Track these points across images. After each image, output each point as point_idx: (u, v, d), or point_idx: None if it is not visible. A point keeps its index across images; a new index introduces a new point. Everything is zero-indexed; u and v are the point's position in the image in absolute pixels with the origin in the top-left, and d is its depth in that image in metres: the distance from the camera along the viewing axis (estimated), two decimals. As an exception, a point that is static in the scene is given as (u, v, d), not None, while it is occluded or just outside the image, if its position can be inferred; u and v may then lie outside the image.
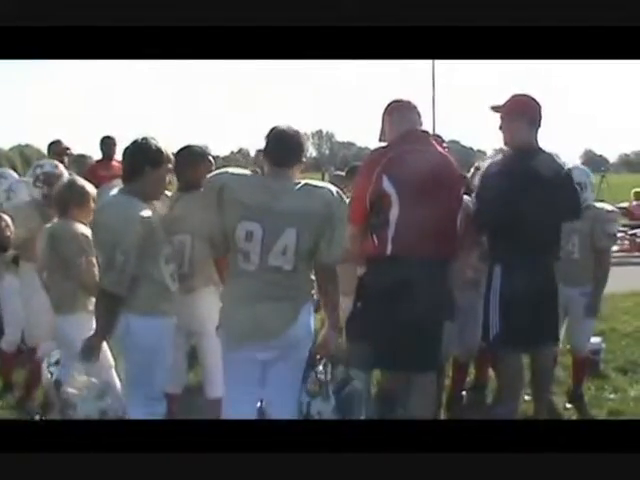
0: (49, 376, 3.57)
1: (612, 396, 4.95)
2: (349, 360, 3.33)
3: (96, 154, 7.35)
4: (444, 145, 4.04)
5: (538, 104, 3.77)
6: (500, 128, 3.80)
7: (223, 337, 3.22)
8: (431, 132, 3.97)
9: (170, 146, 3.50)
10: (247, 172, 3.34)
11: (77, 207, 3.90)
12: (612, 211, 4.78)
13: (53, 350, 3.86)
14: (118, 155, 7.05)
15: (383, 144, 3.70)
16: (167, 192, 3.75)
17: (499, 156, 4.02)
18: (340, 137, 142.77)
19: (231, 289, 3.24)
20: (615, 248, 12.15)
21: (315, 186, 3.14)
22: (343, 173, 5.42)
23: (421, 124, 3.73)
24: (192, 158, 3.81)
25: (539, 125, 3.78)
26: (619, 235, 13.03)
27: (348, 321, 3.61)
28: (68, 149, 6.74)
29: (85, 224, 3.86)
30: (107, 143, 7.31)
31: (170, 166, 3.46)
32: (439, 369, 3.93)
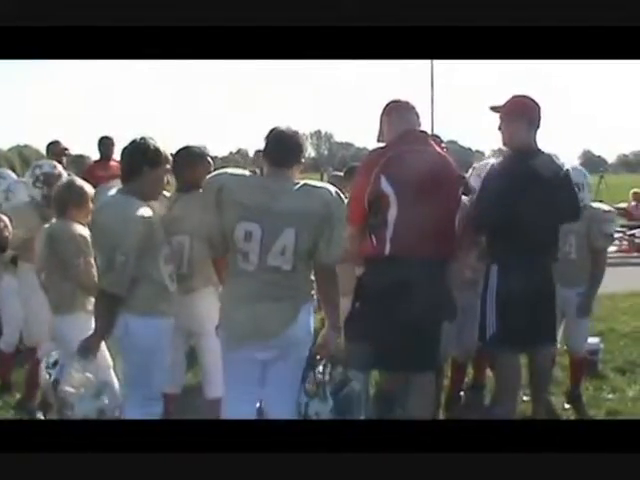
0: (47, 377, 3.56)
1: (610, 396, 4.95)
2: (348, 361, 3.33)
3: (95, 154, 7.35)
4: (442, 145, 4.05)
5: (537, 105, 3.77)
6: (499, 129, 3.80)
7: (223, 337, 3.22)
8: (430, 132, 3.97)
9: (169, 146, 3.51)
10: (246, 172, 3.35)
11: (75, 207, 3.91)
12: (609, 211, 4.79)
13: (52, 351, 3.86)
14: (116, 155, 7.05)
15: (381, 144, 3.71)
16: (165, 193, 3.75)
17: (496, 156, 4.02)
18: (339, 137, 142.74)
19: (230, 289, 3.24)
20: (614, 248, 12.23)
21: (314, 186, 3.15)
22: (341, 173, 5.42)
23: (419, 124, 3.73)
24: (191, 159, 3.81)
25: (538, 126, 3.78)
26: (618, 235, 13.08)
27: (346, 321, 3.61)
28: (66, 149, 6.75)
29: (83, 225, 3.87)
30: (105, 143, 7.30)
31: (168, 166, 3.46)
32: (437, 369, 3.93)
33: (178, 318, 3.49)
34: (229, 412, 3.25)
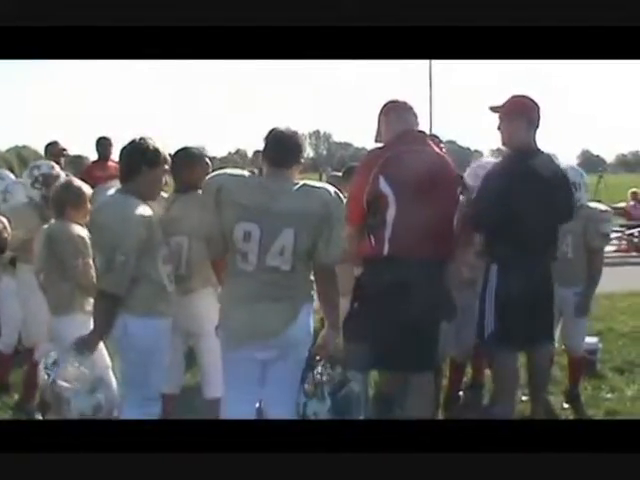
0: (46, 377, 3.56)
1: (609, 396, 4.96)
2: (346, 361, 3.33)
3: (93, 155, 7.35)
4: (441, 145, 4.05)
5: (537, 105, 3.77)
6: (499, 128, 3.80)
7: (222, 337, 3.22)
8: (428, 132, 3.97)
9: (168, 147, 3.51)
10: (245, 173, 3.35)
11: (74, 208, 3.91)
12: (605, 211, 4.80)
13: (49, 352, 3.85)
14: (114, 156, 7.05)
15: (379, 145, 3.71)
16: (163, 193, 3.75)
17: (495, 156, 4.02)
18: (337, 137, 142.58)
19: (230, 289, 3.24)
20: (613, 248, 12.25)
21: (313, 186, 3.15)
22: (340, 174, 5.42)
23: (417, 124, 3.73)
24: (189, 159, 3.81)
25: (538, 126, 3.78)
26: (617, 235, 13.10)
27: (345, 322, 3.61)
28: (65, 150, 6.74)
29: (82, 225, 3.87)
30: (103, 144, 7.30)
31: (167, 167, 3.46)
32: (436, 369, 3.93)
33: (177, 319, 3.48)
34: (228, 412, 3.25)
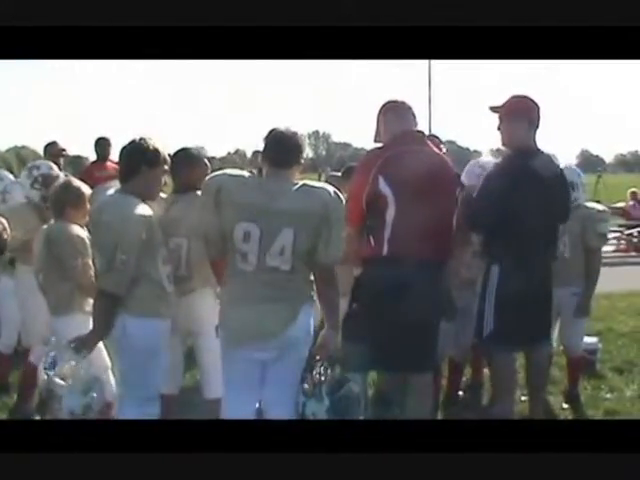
0: (45, 377, 3.56)
1: (608, 396, 4.95)
2: (345, 361, 3.33)
3: (92, 155, 7.35)
4: (441, 146, 4.05)
5: (537, 105, 3.77)
6: (498, 129, 3.80)
7: (222, 337, 3.22)
8: (428, 132, 3.97)
9: (168, 147, 3.51)
10: (245, 173, 3.35)
11: (73, 208, 3.91)
12: (603, 211, 4.80)
13: (45, 353, 3.85)
14: (113, 156, 7.05)
15: (378, 145, 3.71)
16: (162, 194, 3.75)
17: (494, 156, 4.02)
18: (337, 138, 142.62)
19: (230, 290, 3.24)
20: (612, 248, 12.26)
21: (313, 186, 3.15)
22: (339, 174, 5.42)
23: (416, 124, 3.73)
24: (188, 160, 3.81)
25: (538, 126, 3.78)
26: (616, 235, 13.11)
27: (344, 322, 3.61)
28: (64, 150, 6.73)
29: (81, 225, 3.86)
30: (101, 144, 7.30)
31: (167, 167, 3.46)
32: (435, 369, 3.93)
33: (176, 319, 3.48)
34: (228, 412, 3.25)
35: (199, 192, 3.36)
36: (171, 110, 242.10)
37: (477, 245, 4.00)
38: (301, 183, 3.13)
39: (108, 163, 7.07)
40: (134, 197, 3.29)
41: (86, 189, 4.00)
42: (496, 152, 5.16)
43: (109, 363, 3.88)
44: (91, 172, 6.82)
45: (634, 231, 13.83)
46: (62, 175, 4.68)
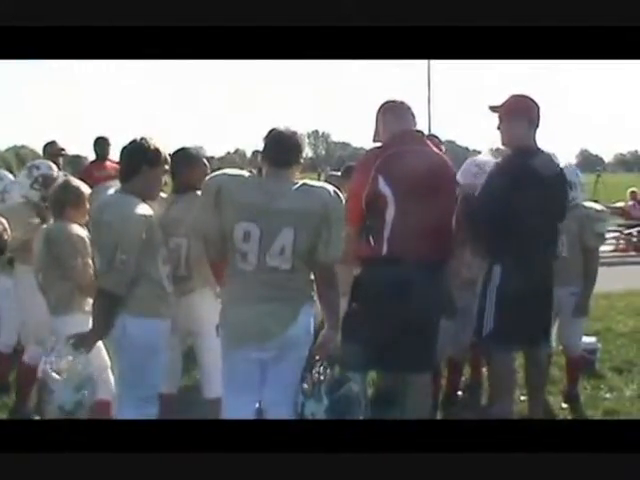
0: (44, 368, 3.55)
1: (608, 396, 4.95)
2: (345, 361, 3.33)
3: (92, 155, 7.35)
4: (441, 146, 4.05)
5: (537, 104, 3.78)
6: (498, 128, 3.81)
7: (222, 337, 3.22)
8: (427, 132, 3.97)
9: (169, 147, 3.51)
10: (244, 173, 3.35)
11: (73, 208, 3.90)
12: (601, 210, 4.80)
13: (39, 354, 3.84)
14: (112, 156, 7.06)
15: (377, 144, 3.71)
16: (162, 194, 3.75)
17: (493, 155, 4.02)
18: (336, 137, 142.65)
19: (230, 290, 3.24)
20: (611, 248, 12.27)
21: (312, 186, 3.15)
22: (339, 173, 5.42)
23: (415, 124, 3.73)
24: (188, 160, 3.81)
25: (538, 125, 3.78)
26: (615, 235, 13.12)
27: (344, 322, 3.61)
28: (63, 150, 6.73)
29: (81, 225, 3.86)
30: (101, 144, 7.30)
31: (167, 167, 3.46)
32: (435, 369, 3.93)
33: (176, 319, 3.48)
34: (228, 412, 3.25)
35: (199, 192, 3.36)
36: (171, 110, 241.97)
37: (477, 244, 4.00)
38: (301, 183, 3.13)
39: (107, 163, 7.07)
40: (134, 197, 3.29)
41: (85, 189, 4.00)
42: (495, 151, 5.14)
43: (108, 362, 3.87)
44: (90, 172, 6.81)
45: (633, 230, 13.84)
46: (61, 174, 4.67)
